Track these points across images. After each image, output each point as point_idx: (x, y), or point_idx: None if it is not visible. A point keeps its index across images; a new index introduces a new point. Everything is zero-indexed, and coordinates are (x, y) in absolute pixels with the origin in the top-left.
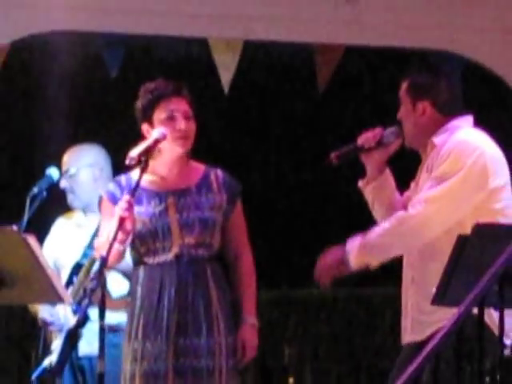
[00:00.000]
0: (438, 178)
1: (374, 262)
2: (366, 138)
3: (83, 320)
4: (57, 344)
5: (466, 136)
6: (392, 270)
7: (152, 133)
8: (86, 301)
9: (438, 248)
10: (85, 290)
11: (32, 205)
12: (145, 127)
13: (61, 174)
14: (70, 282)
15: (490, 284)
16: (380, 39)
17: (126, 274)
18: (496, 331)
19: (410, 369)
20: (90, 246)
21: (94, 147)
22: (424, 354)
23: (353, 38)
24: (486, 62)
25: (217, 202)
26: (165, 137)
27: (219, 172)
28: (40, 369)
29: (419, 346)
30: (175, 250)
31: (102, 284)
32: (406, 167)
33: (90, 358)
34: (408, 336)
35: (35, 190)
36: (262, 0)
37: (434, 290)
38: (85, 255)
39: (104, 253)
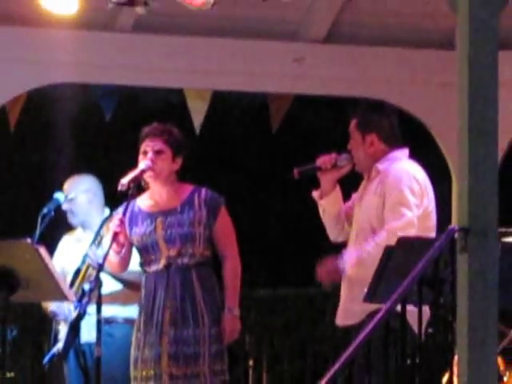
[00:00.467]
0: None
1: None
2: (323, 160)
3: (82, 314)
4: (63, 334)
5: (406, 166)
6: None
7: (139, 164)
8: (85, 299)
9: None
10: (83, 290)
11: (43, 222)
12: (139, 159)
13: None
14: (72, 284)
15: (411, 285)
16: (321, 89)
17: (114, 277)
18: (414, 324)
19: (347, 353)
20: (87, 254)
21: (89, 176)
22: (357, 341)
23: (299, 89)
24: (411, 110)
25: (196, 218)
26: (149, 168)
27: (203, 191)
28: (50, 354)
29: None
30: (163, 261)
31: (98, 285)
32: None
33: (89, 345)
34: (340, 320)
35: (45, 210)
36: (226, 57)
37: (365, 290)
38: (83, 262)
39: (100, 261)
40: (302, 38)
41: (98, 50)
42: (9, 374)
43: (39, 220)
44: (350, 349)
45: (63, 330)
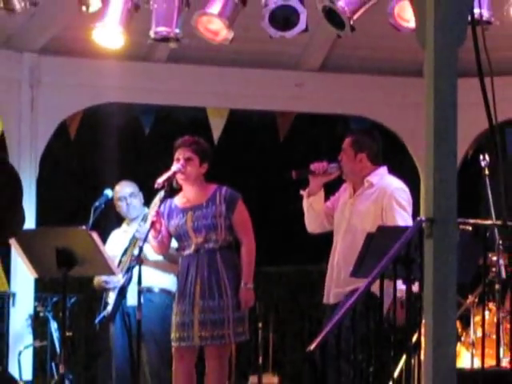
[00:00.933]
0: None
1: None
2: (316, 166)
3: (128, 282)
4: (111, 300)
5: (395, 181)
6: (324, 254)
7: (172, 167)
8: (129, 273)
9: (358, 243)
10: (130, 264)
11: (95, 213)
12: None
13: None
14: (120, 262)
15: (388, 264)
16: (317, 108)
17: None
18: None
19: (336, 317)
20: (133, 236)
21: (132, 182)
22: (345, 308)
23: (300, 108)
24: (387, 124)
25: (218, 211)
26: (179, 170)
27: (223, 189)
28: (100, 316)
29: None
30: (193, 246)
31: (139, 262)
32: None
33: (133, 308)
34: (328, 299)
35: (97, 203)
36: (241, 83)
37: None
38: (129, 244)
39: (141, 243)
40: (301, 68)
41: (139, 77)
42: (68, 333)
43: (92, 211)
44: (340, 313)
45: (111, 298)
